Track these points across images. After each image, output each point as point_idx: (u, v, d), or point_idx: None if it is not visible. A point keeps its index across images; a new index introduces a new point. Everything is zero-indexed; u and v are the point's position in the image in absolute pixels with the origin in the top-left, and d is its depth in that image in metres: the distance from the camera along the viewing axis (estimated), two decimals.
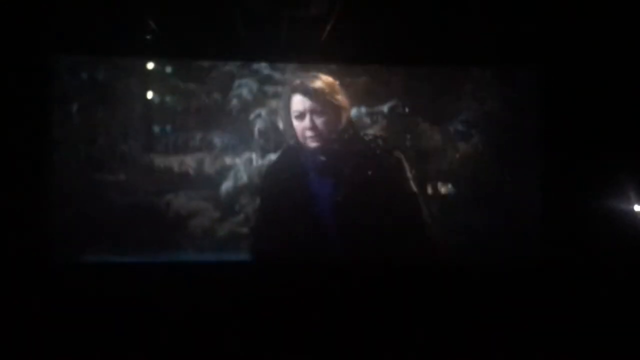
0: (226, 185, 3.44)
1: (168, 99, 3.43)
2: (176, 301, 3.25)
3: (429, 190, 3.56)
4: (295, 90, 3.28)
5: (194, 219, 3.41)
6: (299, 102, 3.28)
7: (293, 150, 3.34)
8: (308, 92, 3.25)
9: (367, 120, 3.50)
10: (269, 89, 3.45)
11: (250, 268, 3.40)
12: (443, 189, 3.60)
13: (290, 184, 3.34)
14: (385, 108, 3.52)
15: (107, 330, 3.13)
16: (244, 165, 3.45)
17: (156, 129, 3.42)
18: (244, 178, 3.44)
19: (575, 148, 3.47)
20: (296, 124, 3.29)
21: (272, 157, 3.45)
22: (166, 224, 3.40)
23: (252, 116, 3.45)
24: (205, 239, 3.42)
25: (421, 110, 3.55)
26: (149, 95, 3.43)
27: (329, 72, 3.39)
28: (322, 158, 3.30)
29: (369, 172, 3.32)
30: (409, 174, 3.38)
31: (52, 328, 3.11)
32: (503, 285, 3.44)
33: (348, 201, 3.30)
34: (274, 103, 3.45)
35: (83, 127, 3.35)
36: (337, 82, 3.31)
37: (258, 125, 3.45)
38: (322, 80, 3.29)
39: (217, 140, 3.44)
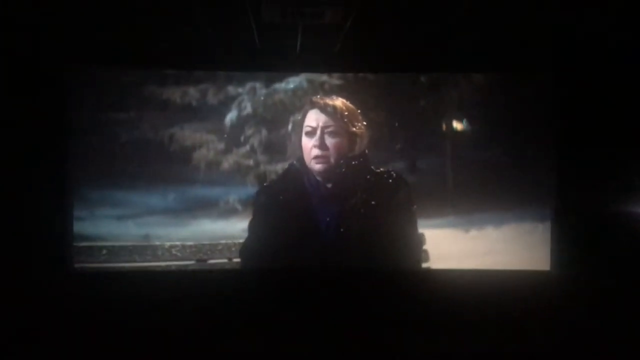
0: (230, 116, 3.34)
1: None
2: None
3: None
4: (313, 105, 3.08)
5: (198, 151, 3.34)
6: (312, 117, 3.06)
7: (296, 172, 3.12)
8: (325, 109, 3.04)
9: None
10: None
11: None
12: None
13: (288, 207, 3.12)
14: None
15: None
16: (248, 95, 3.35)
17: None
18: (248, 108, 3.34)
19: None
20: (305, 140, 3.07)
21: (277, 85, 3.35)
22: (170, 158, 3.33)
23: None
24: (210, 171, 3.33)
25: None
26: None
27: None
28: (328, 185, 3.08)
29: (374, 203, 3.10)
30: (414, 208, 3.18)
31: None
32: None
33: (350, 233, 3.10)
34: None
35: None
36: (359, 111, 3.11)
37: None
38: (343, 103, 3.10)
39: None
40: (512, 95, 3.37)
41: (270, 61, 3.32)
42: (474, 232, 3.27)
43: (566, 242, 3.31)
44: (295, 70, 3.31)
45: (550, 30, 3.02)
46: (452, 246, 3.33)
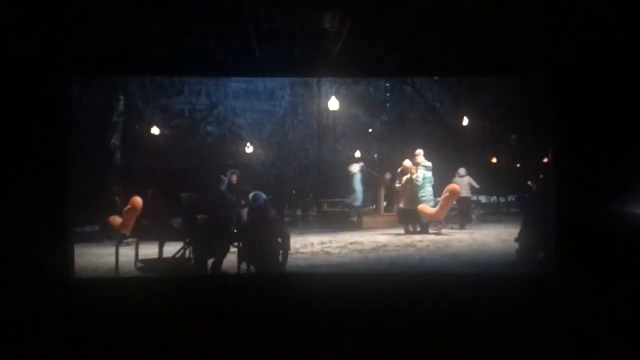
0: None
1: None
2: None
3: None
4: None
5: None
6: None
7: None
8: None
9: None
10: None
11: None
12: None
13: None
14: None
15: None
16: None
17: None
18: None
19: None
20: None
21: None
22: None
23: None
24: None
25: None
26: None
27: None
28: None
29: None
30: None
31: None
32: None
33: None
34: None
35: None
36: None
37: None
38: None
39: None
40: (509, 96, 3.31)
41: (269, 67, 3.32)
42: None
43: (566, 242, 3.27)
44: (293, 75, 3.33)
45: (549, 33, 2.95)
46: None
